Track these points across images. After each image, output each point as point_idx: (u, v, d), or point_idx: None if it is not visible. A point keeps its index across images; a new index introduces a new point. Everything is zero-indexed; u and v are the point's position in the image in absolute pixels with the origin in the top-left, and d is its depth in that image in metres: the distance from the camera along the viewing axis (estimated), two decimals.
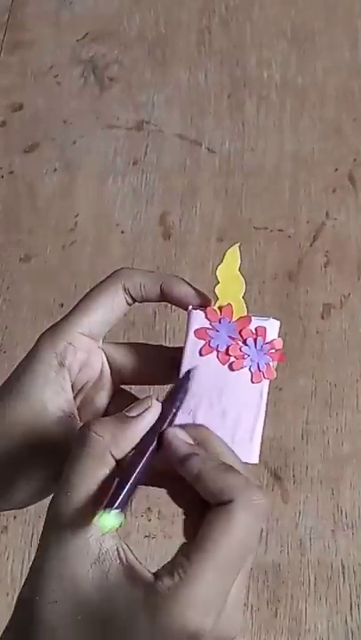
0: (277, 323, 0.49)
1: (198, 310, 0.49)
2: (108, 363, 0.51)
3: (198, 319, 0.49)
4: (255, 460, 0.48)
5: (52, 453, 0.47)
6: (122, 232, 0.90)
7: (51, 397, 0.48)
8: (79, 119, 0.97)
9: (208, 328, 0.49)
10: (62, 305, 0.86)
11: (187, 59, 1.00)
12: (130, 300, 0.50)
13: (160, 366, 0.51)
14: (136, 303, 0.50)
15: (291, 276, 0.87)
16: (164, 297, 0.50)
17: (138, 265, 0.88)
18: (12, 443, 0.48)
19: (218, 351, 0.49)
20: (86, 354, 0.50)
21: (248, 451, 0.48)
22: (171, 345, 0.52)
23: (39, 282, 0.88)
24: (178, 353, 0.49)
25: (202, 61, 1.00)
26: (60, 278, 0.88)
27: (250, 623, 0.72)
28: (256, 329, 0.49)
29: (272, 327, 0.49)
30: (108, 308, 0.50)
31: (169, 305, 0.86)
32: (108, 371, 0.51)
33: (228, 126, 0.95)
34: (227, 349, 0.49)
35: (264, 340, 0.49)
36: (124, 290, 0.50)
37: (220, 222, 0.90)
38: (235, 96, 0.97)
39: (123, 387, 0.53)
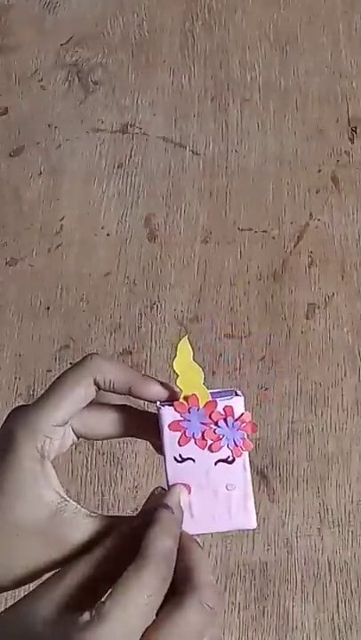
0: (241, 398, 0.52)
1: (167, 407, 0.52)
2: (77, 434, 0.55)
3: (169, 414, 0.52)
4: (254, 525, 0.52)
5: (48, 549, 0.51)
6: (107, 235, 0.91)
7: (42, 491, 0.52)
8: (64, 123, 0.97)
9: (180, 420, 0.52)
10: (48, 308, 0.87)
11: (170, 62, 1.00)
12: (97, 390, 0.53)
13: (133, 431, 0.55)
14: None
15: (275, 276, 0.87)
16: (132, 395, 0.53)
17: (124, 267, 0.88)
18: (19, 540, 0.51)
19: (195, 438, 0.52)
20: (60, 439, 0.53)
21: (246, 519, 0.52)
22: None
23: (25, 285, 0.88)
24: (150, 416, 0.53)
25: (185, 64, 1.00)
26: (47, 281, 0.88)
27: (237, 622, 0.72)
28: (224, 409, 0.52)
29: (238, 404, 0.52)
30: (79, 399, 0.53)
31: (155, 307, 0.87)
32: (75, 439, 0.55)
33: (211, 128, 0.96)
34: (202, 435, 0.52)
35: (233, 417, 0.52)
36: (95, 382, 0.53)
37: (204, 224, 0.91)
38: (218, 98, 0.98)
39: None
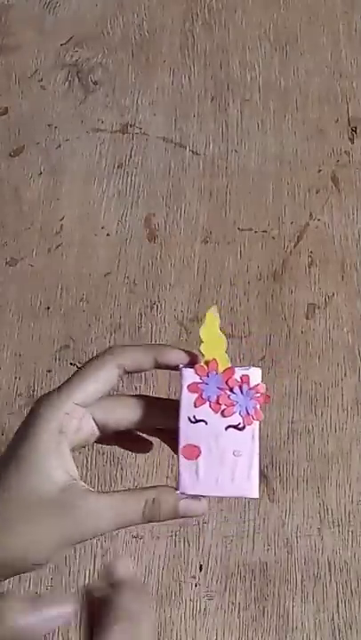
0: (259, 370, 0.56)
1: (188, 368, 0.55)
2: (98, 424, 0.58)
3: (189, 376, 0.55)
4: (255, 494, 0.54)
5: (62, 515, 0.54)
6: (107, 235, 0.91)
7: (55, 467, 0.54)
8: (64, 123, 0.97)
9: (199, 382, 0.55)
10: (48, 308, 0.87)
11: (170, 62, 1.00)
12: (122, 374, 0.57)
13: (151, 418, 0.58)
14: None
15: (275, 276, 0.87)
16: (158, 366, 0.56)
17: (123, 267, 0.88)
18: (29, 510, 0.54)
19: (210, 402, 0.55)
20: (79, 420, 0.56)
21: (248, 487, 0.55)
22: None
23: (25, 285, 0.88)
24: (166, 403, 0.58)
25: (185, 64, 1.00)
26: (47, 281, 0.88)
27: (237, 622, 0.72)
28: (241, 377, 0.55)
29: (255, 374, 0.56)
30: (101, 383, 0.56)
31: (155, 307, 0.87)
32: (97, 431, 0.58)
33: (211, 128, 0.96)
34: (217, 399, 0.55)
35: (249, 386, 0.55)
36: (118, 366, 0.56)
37: (204, 224, 0.91)
38: (218, 98, 0.98)
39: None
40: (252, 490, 0.55)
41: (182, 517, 0.55)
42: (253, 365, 0.56)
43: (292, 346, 0.84)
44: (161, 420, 0.58)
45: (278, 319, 0.85)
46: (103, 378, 0.56)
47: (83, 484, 0.55)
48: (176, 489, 0.55)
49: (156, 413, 0.58)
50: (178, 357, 0.57)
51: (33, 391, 0.82)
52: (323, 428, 0.80)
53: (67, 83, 1.00)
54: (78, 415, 0.56)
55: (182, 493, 0.55)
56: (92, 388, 0.56)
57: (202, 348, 0.56)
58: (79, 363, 0.83)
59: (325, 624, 0.72)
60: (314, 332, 0.84)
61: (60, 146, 0.96)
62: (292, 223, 0.90)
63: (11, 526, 0.54)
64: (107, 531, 0.55)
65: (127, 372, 0.57)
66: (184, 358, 0.57)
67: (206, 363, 0.56)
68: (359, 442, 0.79)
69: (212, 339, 0.56)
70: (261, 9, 1.03)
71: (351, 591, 0.73)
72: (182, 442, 0.55)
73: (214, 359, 0.56)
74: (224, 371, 0.56)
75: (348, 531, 0.76)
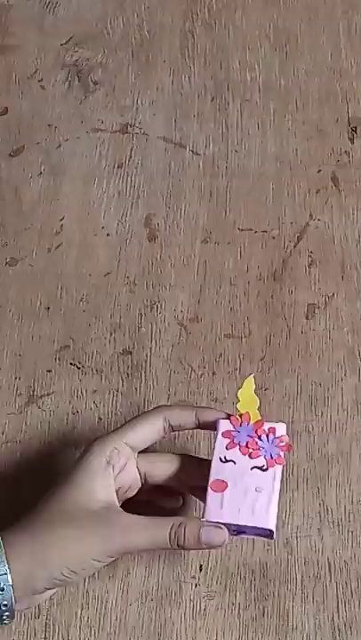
0: (284, 425, 0.66)
1: (225, 419, 0.66)
2: (141, 474, 0.67)
3: (225, 425, 0.65)
4: (272, 526, 0.63)
5: (100, 527, 0.61)
6: (107, 235, 0.91)
7: (99, 488, 0.63)
8: (64, 123, 0.97)
9: (232, 430, 0.65)
10: (48, 308, 0.87)
11: (170, 62, 1.00)
12: (167, 429, 0.66)
13: (188, 475, 0.68)
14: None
15: (275, 276, 0.88)
16: (199, 424, 0.67)
17: (123, 267, 0.89)
18: (74, 519, 0.61)
19: (240, 446, 0.64)
20: (126, 460, 0.65)
21: (265, 519, 0.62)
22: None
23: (25, 285, 0.88)
24: (203, 463, 0.66)
25: (185, 64, 1.00)
26: (47, 281, 0.88)
27: (237, 622, 0.72)
28: (268, 429, 0.65)
29: (280, 427, 0.65)
30: (149, 431, 0.66)
31: (155, 307, 0.88)
32: (139, 481, 0.67)
33: (211, 129, 0.96)
34: (246, 444, 0.64)
35: (275, 435, 0.65)
36: (165, 420, 0.66)
37: (204, 224, 0.91)
38: (218, 99, 0.98)
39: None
40: (270, 522, 0.62)
41: (205, 545, 0.62)
42: (281, 421, 0.66)
43: (292, 346, 0.84)
44: (197, 478, 0.65)
45: (278, 319, 0.85)
46: (151, 428, 0.66)
47: (120, 509, 0.64)
48: (202, 518, 0.62)
49: (193, 471, 0.67)
50: (217, 415, 0.66)
51: (33, 391, 0.82)
52: (323, 428, 0.80)
53: (67, 83, 1.00)
54: (125, 453, 0.65)
55: (206, 520, 0.62)
56: (140, 434, 0.65)
57: (238, 405, 0.65)
58: (79, 363, 0.84)
59: (325, 624, 0.72)
60: (314, 332, 0.84)
61: (60, 146, 0.96)
62: (292, 223, 0.90)
63: (56, 528, 0.60)
64: (138, 548, 0.63)
65: (172, 429, 0.67)
66: (222, 415, 0.66)
67: (240, 415, 0.65)
68: (359, 442, 0.79)
69: (247, 399, 0.65)
70: (261, 9, 1.03)
71: (351, 591, 0.73)
72: (212, 477, 0.63)
73: (247, 412, 0.65)
74: (255, 422, 0.65)
75: (348, 531, 0.76)
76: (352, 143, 0.94)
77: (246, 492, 0.63)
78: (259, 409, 0.65)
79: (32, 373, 0.83)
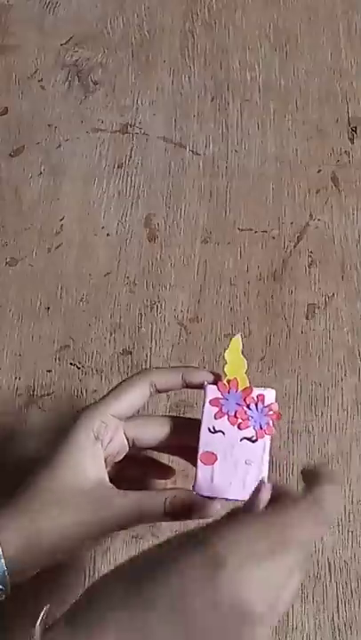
0: (274, 391, 0.64)
1: (212, 385, 0.64)
2: (129, 439, 0.65)
3: (212, 392, 0.63)
4: None
5: (92, 506, 0.60)
6: (107, 235, 0.91)
7: (89, 466, 0.62)
8: (64, 123, 0.97)
9: (220, 398, 0.63)
10: (48, 308, 0.87)
11: (170, 62, 1.00)
12: (153, 392, 0.65)
13: (177, 437, 0.66)
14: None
15: (275, 276, 0.88)
16: (186, 385, 0.65)
17: (123, 267, 0.88)
18: (64, 499, 0.60)
19: (228, 415, 0.63)
20: (114, 431, 0.64)
21: None
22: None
23: (25, 285, 0.88)
24: (191, 423, 0.64)
25: (185, 64, 1.00)
26: (46, 281, 0.88)
27: None
28: (257, 396, 0.63)
29: (270, 394, 0.64)
30: (135, 398, 0.64)
31: (155, 307, 0.88)
32: (127, 446, 0.66)
33: (211, 129, 0.96)
34: (235, 413, 0.63)
35: (263, 404, 0.63)
36: (150, 384, 0.64)
37: (204, 224, 0.91)
38: (218, 99, 0.98)
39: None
40: None
41: (198, 517, 0.61)
42: (269, 386, 0.65)
43: (292, 346, 0.84)
44: (185, 438, 0.65)
45: (278, 319, 0.85)
46: (136, 394, 0.64)
47: (111, 485, 0.62)
48: (193, 490, 0.62)
49: (181, 431, 0.66)
50: (204, 376, 0.64)
51: (33, 391, 0.82)
52: (323, 428, 0.80)
53: (67, 83, 1.00)
54: (113, 425, 0.63)
55: (198, 494, 0.62)
56: (126, 403, 0.64)
57: (225, 368, 0.63)
58: (79, 363, 0.84)
59: (325, 624, 0.72)
60: (314, 332, 0.84)
61: (60, 146, 0.96)
62: (292, 223, 0.90)
63: (47, 511, 0.59)
64: (131, 523, 0.62)
65: (158, 391, 0.65)
66: (209, 377, 0.64)
67: (228, 381, 0.63)
68: (359, 442, 0.79)
69: (234, 361, 0.63)
70: (261, 9, 1.03)
71: (351, 591, 0.73)
72: (202, 448, 0.62)
73: (235, 378, 0.63)
74: (243, 389, 0.63)
75: (348, 531, 0.76)
76: (352, 143, 0.94)
77: (236, 465, 0.62)
78: (246, 372, 0.64)
79: (32, 373, 0.83)
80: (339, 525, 0.76)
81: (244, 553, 0.46)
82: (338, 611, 0.73)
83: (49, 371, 0.83)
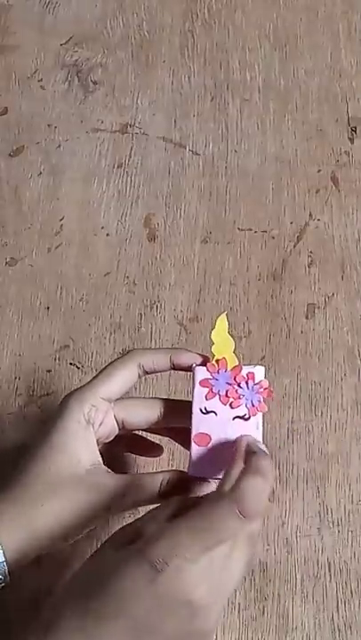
0: (263, 368, 0.63)
1: (201, 366, 0.63)
2: (118, 421, 0.65)
3: (201, 373, 0.63)
4: None
5: (87, 493, 0.60)
6: (107, 234, 0.91)
7: (82, 451, 0.61)
8: (64, 123, 0.97)
9: (210, 378, 0.62)
10: (48, 308, 0.87)
11: (170, 62, 1.00)
12: (142, 374, 0.64)
13: (167, 418, 0.66)
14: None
15: (275, 276, 0.88)
16: (173, 367, 0.64)
17: (123, 267, 0.89)
18: (58, 487, 0.60)
19: (219, 395, 0.62)
20: (104, 414, 0.63)
21: None
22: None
23: (25, 285, 0.88)
24: (180, 404, 0.65)
25: (185, 64, 1.00)
26: (46, 281, 0.88)
27: (237, 622, 0.72)
28: (247, 374, 0.63)
29: (259, 371, 0.63)
30: (124, 380, 0.64)
31: (155, 307, 0.88)
32: (117, 428, 0.65)
33: (211, 129, 0.96)
34: (226, 393, 0.62)
35: (254, 382, 0.62)
36: (138, 366, 0.64)
37: (204, 224, 0.91)
38: (218, 98, 0.98)
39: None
40: None
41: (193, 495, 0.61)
42: (259, 364, 0.64)
43: (292, 346, 0.84)
44: (176, 420, 0.65)
45: (278, 319, 0.85)
46: (125, 376, 0.64)
47: (106, 468, 0.62)
48: (188, 472, 0.62)
49: (171, 413, 0.65)
50: (191, 358, 0.64)
51: (33, 391, 0.82)
52: (323, 428, 0.80)
53: (67, 83, 1.00)
54: (103, 409, 0.63)
55: (193, 476, 0.61)
56: (115, 385, 0.63)
57: (213, 348, 0.62)
58: (79, 363, 0.84)
59: (325, 624, 0.72)
60: (314, 332, 0.84)
61: (60, 146, 0.96)
62: (291, 223, 0.90)
63: (40, 501, 0.59)
64: (128, 506, 0.62)
65: (146, 373, 0.64)
66: (197, 359, 0.64)
67: (217, 361, 0.62)
68: (359, 442, 0.79)
69: (221, 341, 0.62)
70: (261, 9, 1.03)
71: (351, 591, 0.73)
72: (195, 430, 0.62)
73: (224, 358, 0.62)
74: (232, 368, 0.62)
75: (348, 531, 0.76)
76: (352, 143, 0.94)
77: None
78: (234, 351, 0.63)
79: (32, 373, 0.83)
80: (339, 525, 0.76)
81: (181, 558, 0.50)
82: (338, 610, 0.73)
83: (49, 371, 0.83)
